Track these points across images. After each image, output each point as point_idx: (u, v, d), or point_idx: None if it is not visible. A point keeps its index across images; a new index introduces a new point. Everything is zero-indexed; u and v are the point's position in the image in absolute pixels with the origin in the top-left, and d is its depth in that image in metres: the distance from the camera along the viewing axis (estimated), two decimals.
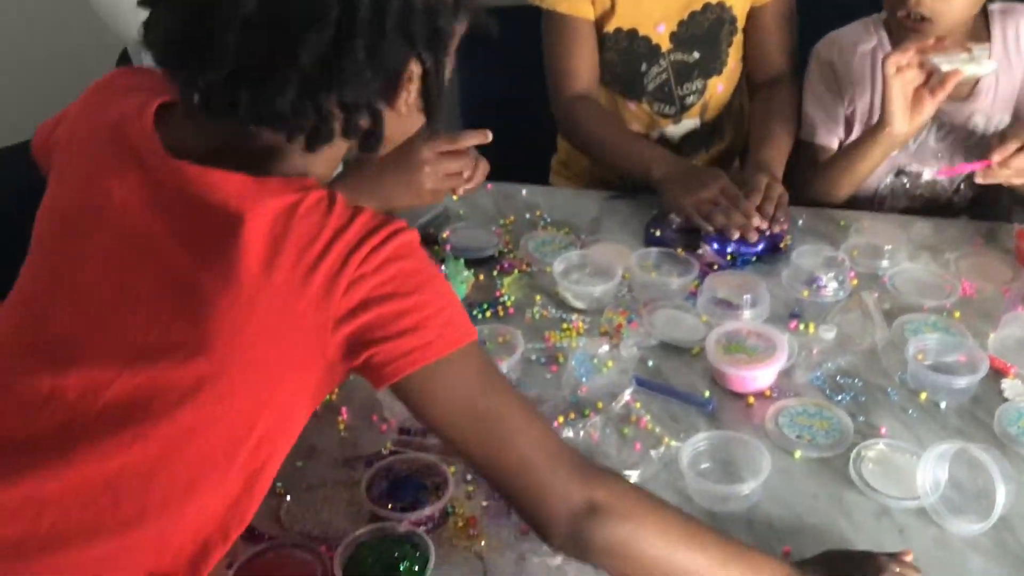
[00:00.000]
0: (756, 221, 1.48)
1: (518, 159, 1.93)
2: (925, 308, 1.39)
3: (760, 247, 1.49)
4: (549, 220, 1.63)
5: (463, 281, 1.41)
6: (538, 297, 1.43)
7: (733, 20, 1.74)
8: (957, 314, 1.38)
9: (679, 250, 1.48)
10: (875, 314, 1.36)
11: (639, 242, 1.55)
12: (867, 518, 1.07)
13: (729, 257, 1.48)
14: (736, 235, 1.48)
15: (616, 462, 1.13)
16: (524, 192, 1.72)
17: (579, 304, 1.41)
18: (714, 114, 1.81)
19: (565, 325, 1.37)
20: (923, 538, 1.04)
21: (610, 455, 1.15)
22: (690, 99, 1.77)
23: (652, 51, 1.73)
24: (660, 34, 1.72)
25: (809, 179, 1.67)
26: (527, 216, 1.64)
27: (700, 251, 1.48)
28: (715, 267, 1.47)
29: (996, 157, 1.45)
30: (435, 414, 0.90)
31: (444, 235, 1.54)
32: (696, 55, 1.74)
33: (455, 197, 1.39)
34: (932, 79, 1.49)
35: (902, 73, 1.49)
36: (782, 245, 1.51)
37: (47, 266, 0.94)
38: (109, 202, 0.89)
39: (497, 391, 0.90)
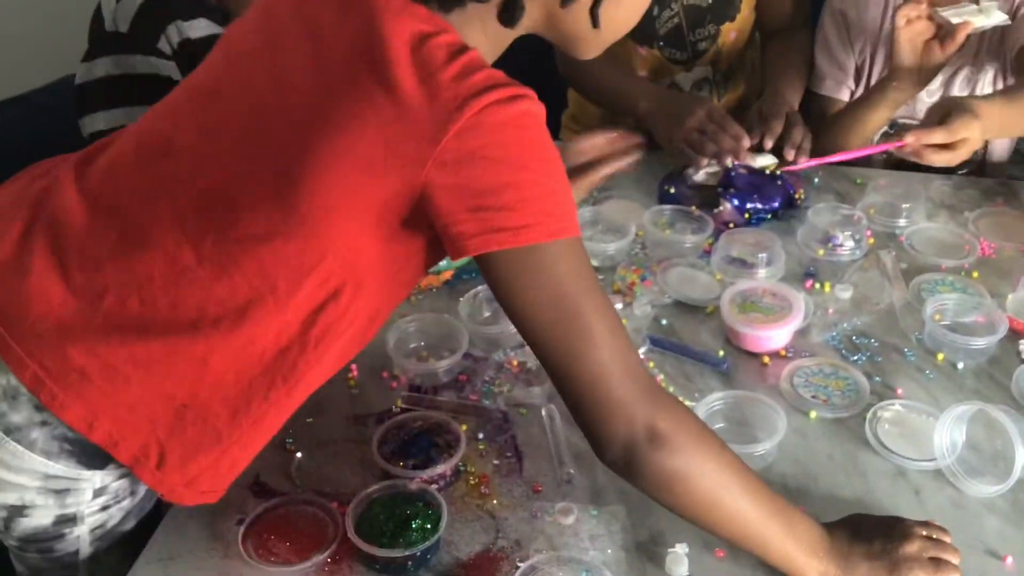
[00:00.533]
0: (746, 142, 1.49)
1: None
2: (943, 268, 1.37)
3: (776, 203, 1.47)
4: None
5: None
6: None
7: None
8: (975, 274, 1.36)
9: (694, 207, 1.46)
10: (892, 273, 1.35)
11: (652, 199, 1.53)
12: (883, 479, 1.06)
13: (747, 215, 1.46)
14: (730, 160, 1.47)
15: None
16: None
17: (592, 261, 1.39)
18: (727, 63, 1.78)
19: None
20: (939, 499, 1.03)
21: None
22: (702, 45, 1.74)
23: None
24: None
25: (818, 132, 1.65)
26: None
27: (719, 208, 1.45)
28: (731, 225, 1.45)
29: (911, 139, 1.32)
30: (516, 302, 0.85)
31: None
32: (709, 0, 1.70)
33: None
34: (942, 31, 1.46)
35: (912, 25, 1.46)
36: (797, 196, 1.50)
37: (224, 50, 0.96)
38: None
39: (588, 295, 0.85)
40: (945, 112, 1.32)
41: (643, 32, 1.74)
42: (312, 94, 0.84)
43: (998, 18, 1.47)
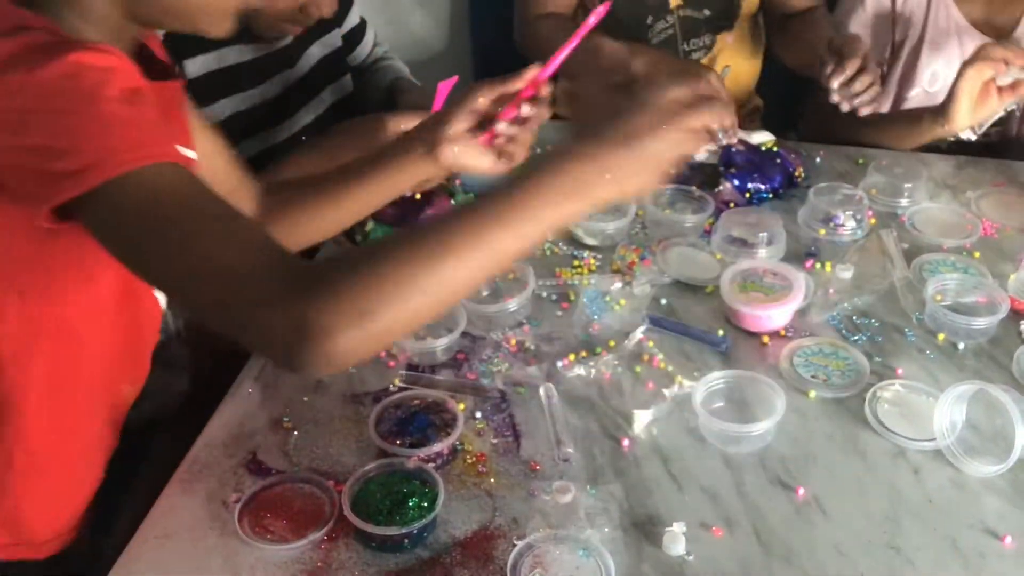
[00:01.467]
0: (735, 128, 1.46)
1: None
2: (944, 248, 1.36)
3: (776, 181, 1.47)
4: None
5: None
6: None
7: None
8: (977, 254, 1.35)
9: (695, 187, 1.45)
10: (893, 253, 1.34)
11: None
12: (882, 458, 1.05)
13: (747, 195, 1.45)
14: (731, 140, 1.46)
15: (628, 401, 1.12)
16: None
17: (591, 241, 1.39)
18: (721, 68, 1.73)
19: (576, 262, 1.35)
20: (939, 479, 1.03)
21: (623, 393, 1.13)
22: (696, 55, 1.70)
23: (660, 5, 1.66)
24: None
25: (842, 116, 1.65)
26: (537, 151, 1.60)
27: (719, 188, 1.44)
28: (731, 205, 1.44)
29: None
30: (123, 247, 0.80)
31: None
32: (706, 12, 1.66)
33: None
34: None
35: (977, 71, 1.44)
36: (796, 175, 1.50)
37: None
38: None
39: (192, 209, 0.78)
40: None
41: (634, 40, 1.68)
42: None
43: None
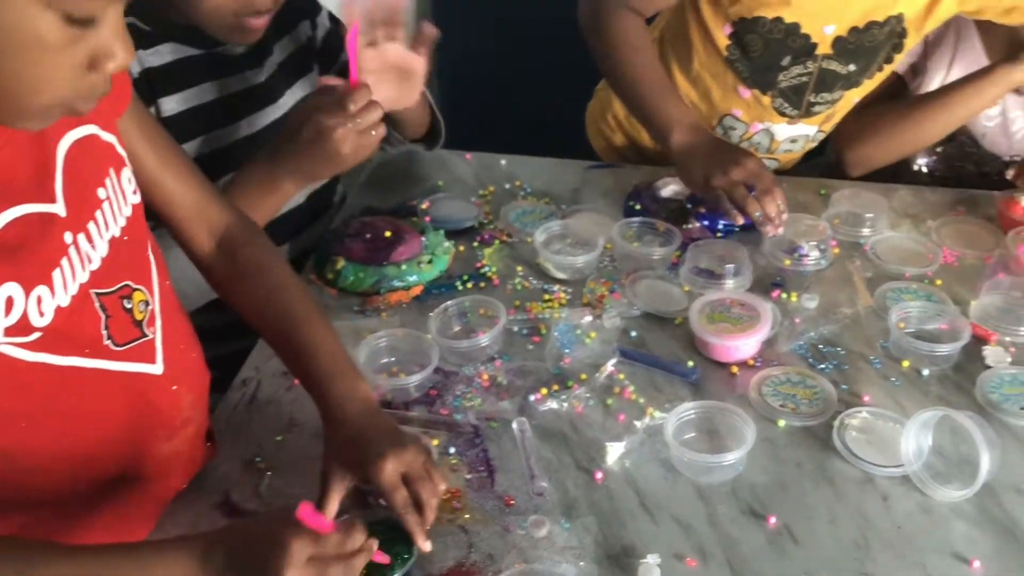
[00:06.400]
0: (785, 216, 1.38)
1: (501, 126, 1.90)
2: (907, 276, 1.39)
3: (749, 220, 1.48)
4: (529, 191, 1.62)
5: (445, 252, 1.40)
6: (519, 268, 1.42)
7: (902, 33, 1.54)
8: (939, 282, 1.38)
9: (659, 224, 1.46)
10: (857, 283, 1.36)
11: (620, 213, 1.54)
12: (851, 486, 1.07)
13: (718, 234, 1.47)
14: (770, 230, 1.39)
15: (601, 433, 1.13)
16: (503, 162, 1.70)
17: (560, 275, 1.40)
18: (832, 125, 1.69)
19: (547, 296, 1.36)
20: (907, 505, 1.05)
21: (595, 426, 1.14)
22: (818, 108, 1.61)
23: (805, 50, 1.52)
24: (825, 35, 1.50)
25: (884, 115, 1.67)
26: (506, 186, 1.63)
27: (687, 226, 1.46)
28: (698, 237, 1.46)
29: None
30: None
31: (424, 206, 1.52)
32: (851, 67, 1.55)
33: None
34: None
35: None
36: None
37: None
38: None
39: None
40: None
41: (762, 79, 1.57)
42: None
43: None
